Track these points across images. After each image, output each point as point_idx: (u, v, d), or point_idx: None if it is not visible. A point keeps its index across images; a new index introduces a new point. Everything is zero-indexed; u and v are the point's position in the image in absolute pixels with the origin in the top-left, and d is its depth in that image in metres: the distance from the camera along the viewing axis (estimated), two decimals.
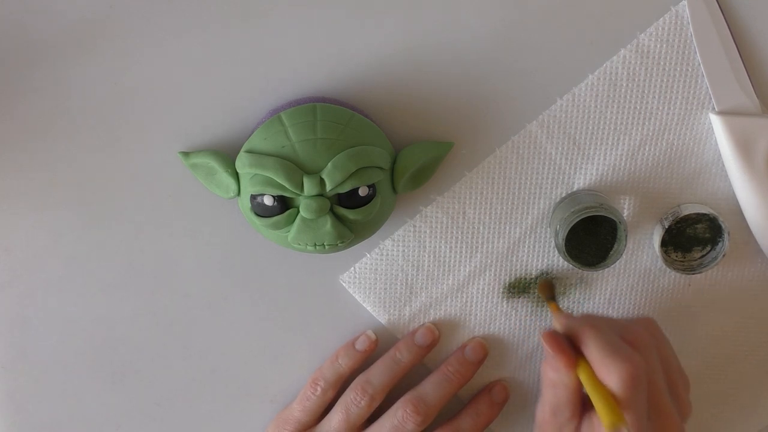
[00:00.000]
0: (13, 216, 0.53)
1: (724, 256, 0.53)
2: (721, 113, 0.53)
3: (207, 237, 0.54)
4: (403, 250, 0.55)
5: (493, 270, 0.56)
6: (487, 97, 0.53)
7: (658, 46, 0.52)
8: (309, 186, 0.47)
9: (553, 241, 0.53)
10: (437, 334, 0.57)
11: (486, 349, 0.57)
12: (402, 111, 0.52)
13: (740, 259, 0.56)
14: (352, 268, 0.56)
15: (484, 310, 0.57)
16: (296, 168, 0.47)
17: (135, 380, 0.57)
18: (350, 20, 0.51)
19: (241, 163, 0.49)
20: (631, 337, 0.47)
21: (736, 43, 0.52)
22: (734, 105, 0.52)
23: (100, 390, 0.57)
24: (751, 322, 0.58)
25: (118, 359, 0.56)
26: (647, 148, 0.54)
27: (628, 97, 0.53)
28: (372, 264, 0.56)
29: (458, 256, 0.56)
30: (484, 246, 0.55)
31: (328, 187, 0.47)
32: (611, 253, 0.52)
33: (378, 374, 0.55)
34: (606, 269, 0.54)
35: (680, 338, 0.58)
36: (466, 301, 0.57)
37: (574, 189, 0.54)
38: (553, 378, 0.46)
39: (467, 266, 0.56)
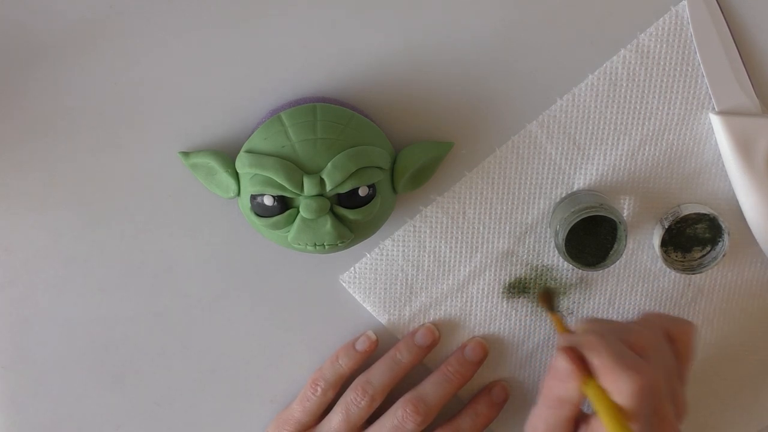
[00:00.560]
0: (13, 216, 0.53)
1: (724, 256, 0.53)
2: (721, 113, 0.53)
3: (207, 237, 0.54)
4: (403, 250, 0.55)
5: (493, 270, 0.56)
6: (487, 97, 0.53)
7: (658, 46, 0.52)
8: (309, 186, 0.47)
9: (553, 241, 0.53)
10: (437, 335, 0.57)
11: (486, 349, 0.57)
12: (402, 111, 0.52)
13: (740, 259, 0.56)
14: (352, 268, 0.56)
15: (484, 310, 0.57)
16: (296, 168, 0.47)
17: (135, 380, 0.57)
18: (350, 20, 0.51)
19: (241, 163, 0.49)
20: (639, 343, 0.46)
21: (736, 43, 0.52)
22: (734, 105, 0.53)
23: (100, 390, 0.57)
24: (751, 322, 0.58)
25: (118, 359, 0.56)
26: (647, 148, 0.54)
27: (628, 97, 0.53)
28: (372, 264, 0.56)
29: (458, 256, 0.56)
30: (484, 246, 0.55)
31: (328, 187, 0.47)
32: (611, 253, 0.52)
33: (378, 374, 0.55)
34: (606, 269, 0.54)
35: None
36: (466, 301, 0.57)
37: (574, 189, 0.54)
38: (560, 394, 0.45)
39: (467, 266, 0.56)
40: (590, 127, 0.53)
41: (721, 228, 0.53)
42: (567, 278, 0.56)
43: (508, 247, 0.55)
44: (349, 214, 0.48)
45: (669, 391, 0.47)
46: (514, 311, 0.57)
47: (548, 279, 0.56)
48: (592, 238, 0.53)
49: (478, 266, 0.56)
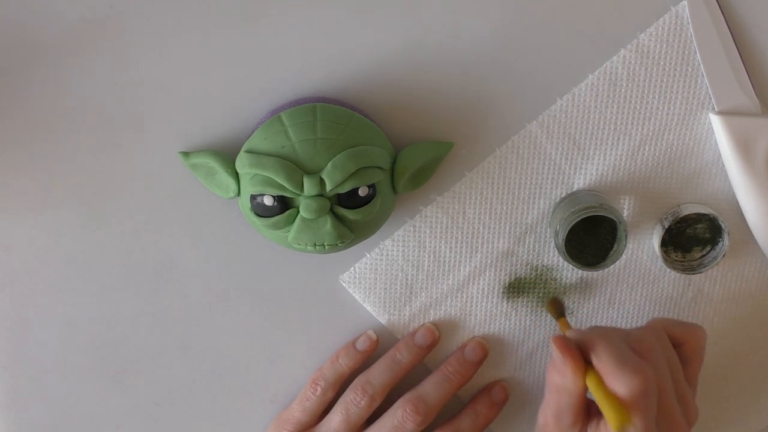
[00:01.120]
0: (13, 216, 0.53)
1: (724, 256, 0.53)
2: (721, 113, 0.53)
3: (207, 237, 0.54)
4: (403, 250, 0.55)
5: (493, 270, 0.56)
6: (487, 97, 0.53)
7: (658, 46, 0.52)
8: (309, 186, 0.47)
9: (553, 241, 0.53)
10: (437, 335, 0.57)
11: (486, 349, 0.57)
12: (402, 111, 0.52)
13: (740, 259, 0.56)
14: (352, 268, 0.56)
15: (484, 310, 0.57)
16: (296, 168, 0.47)
17: (135, 380, 0.57)
18: (350, 20, 0.51)
19: (241, 163, 0.49)
20: (641, 346, 0.46)
21: (736, 43, 0.52)
22: (734, 105, 0.53)
23: (100, 390, 0.57)
24: (751, 322, 0.58)
25: (118, 359, 0.56)
26: (647, 148, 0.54)
27: (628, 97, 0.53)
28: (372, 264, 0.56)
29: (458, 256, 0.56)
30: (484, 246, 0.55)
31: (328, 187, 0.47)
32: (611, 253, 0.52)
33: (378, 374, 0.55)
34: (606, 269, 0.54)
35: None
36: (466, 301, 0.57)
37: (574, 189, 0.54)
38: (558, 383, 0.46)
39: (467, 266, 0.56)
40: (590, 127, 0.53)
41: (721, 228, 0.53)
42: (567, 278, 0.56)
43: (508, 247, 0.55)
44: (349, 214, 0.48)
45: (677, 392, 0.47)
46: (514, 311, 0.57)
47: (548, 279, 0.56)
48: (592, 238, 0.53)
49: (478, 266, 0.56)
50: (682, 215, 0.53)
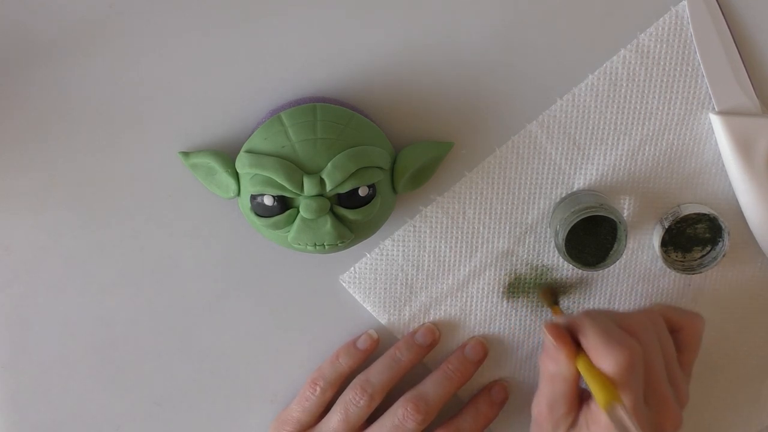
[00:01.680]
0: (13, 216, 0.53)
1: (724, 256, 0.53)
2: (721, 113, 0.53)
3: (207, 237, 0.54)
4: (403, 250, 0.55)
5: (493, 270, 0.56)
6: (487, 97, 0.53)
7: (658, 46, 0.52)
8: (309, 186, 0.47)
9: (553, 241, 0.53)
10: (438, 334, 0.57)
11: (486, 348, 0.57)
12: (402, 111, 0.52)
13: (740, 259, 0.56)
14: (352, 268, 0.56)
15: (484, 310, 0.57)
16: (296, 168, 0.47)
17: (135, 380, 0.57)
18: (350, 20, 0.51)
19: (241, 163, 0.49)
20: (630, 323, 0.47)
21: (736, 43, 0.52)
22: (734, 105, 0.53)
23: (100, 390, 0.57)
24: (751, 322, 0.58)
25: (118, 359, 0.56)
26: (647, 148, 0.54)
27: (628, 97, 0.53)
28: (372, 264, 0.56)
29: (458, 256, 0.56)
30: (484, 246, 0.55)
31: (328, 187, 0.47)
32: (611, 253, 0.52)
33: (377, 373, 0.54)
34: (606, 269, 0.54)
35: None
36: (466, 301, 0.57)
37: (574, 189, 0.54)
38: (552, 370, 0.46)
39: (467, 266, 0.56)
40: (590, 127, 0.53)
41: (721, 228, 0.53)
42: (567, 278, 0.56)
43: (508, 247, 0.55)
44: (349, 214, 0.48)
45: (669, 374, 0.47)
46: (514, 311, 0.57)
47: (548, 279, 0.56)
48: (592, 238, 0.53)
49: (478, 266, 0.56)
50: (682, 215, 0.53)
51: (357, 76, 0.52)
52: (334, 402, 0.55)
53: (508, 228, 0.55)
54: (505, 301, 0.57)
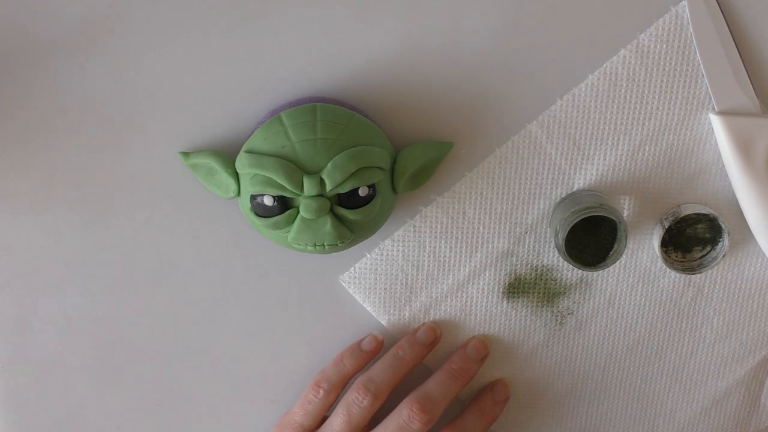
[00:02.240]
0: (13, 216, 0.53)
1: (724, 256, 0.53)
2: (721, 113, 0.53)
3: (207, 237, 0.54)
4: (403, 250, 0.55)
5: (493, 270, 0.56)
6: (487, 97, 0.53)
7: (658, 46, 0.52)
8: (309, 186, 0.47)
9: (553, 241, 0.53)
10: (439, 333, 0.56)
11: (487, 347, 0.57)
12: (402, 111, 0.52)
13: (740, 259, 0.56)
14: (352, 268, 0.56)
15: (484, 310, 0.57)
16: (296, 168, 0.47)
17: (135, 380, 0.57)
18: (350, 20, 0.51)
19: (241, 163, 0.49)
20: None
21: (736, 43, 0.52)
22: (734, 105, 0.52)
23: (100, 390, 0.57)
24: (751, 322, 0.58)
25: (118, 359, 0.56)
26: (647, 148, 0.54)
27: (628, 97, 0.53)
28: (372, 264, 0.56)
29: (458, 256, 0.56)
30: (484, 246, 0.55)
31: (328, 187, 0.47)
32: (611, 253, 0.52)
33: (380, 372, 0.54)
34: (606, 269, 0.54)
35: (680, 338, 0.58)
36: (466, 302, 0.57)
37: (574, 189, 0.54)
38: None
39: (467, 266, 0.56)
40: (590, 127, 0.53)
41: (721, 228, 0.53)
42: (567, 278, 0.56)
43: (508, 247, 0.55)
44: (349, 214, 0.48)
45: None
46: (514, 311, 0.57)
47: (548, 279, 0.56)
48: (592, 238, 0.53)
49: (478, 266, 0.56)
50: (682, 215, 0.53)
51: (357, 76, 0.52)
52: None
53: (508, 228, 0.55)
54: (505, 301, 0.57)
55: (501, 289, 0.56)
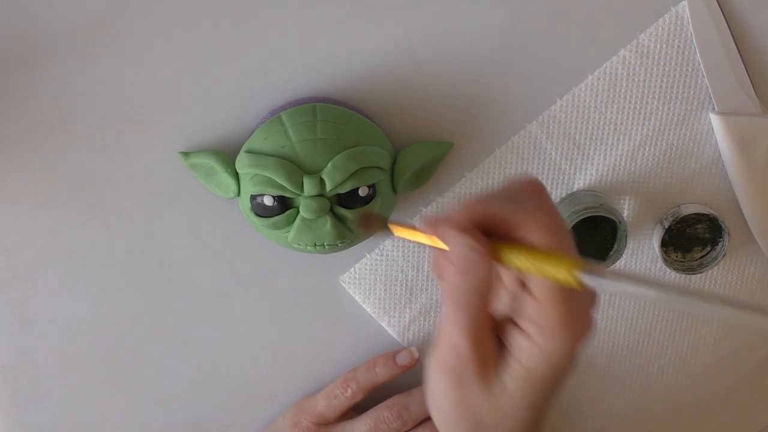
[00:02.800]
0: (13, 216, 0.53)
1: (724, 256, 0.53)
2: (721, 113, 0.53)
3: (207, 237, 0.54)
4: (403, 251, 0.55)
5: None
6: (487, 97, 0.53)
7: (658, 46, 0.52)
8: (309, 186, 0.47)
9: None
10: None
11: None
12: (402, 111, 0.52)
13: (740, 259, 0.56)
14: (352, 269, 0.56)
15: None
16: (296, 168, 0.47)
17: (135, 380, 0.57)
18: (350, 20, 0.51)
19: (241, 163, 0.49)
20: (516, 192, 0.36)
21: (736, 43, 0.52)
22: (734, 105, 0.52)
23: (100, 390, 0.57)
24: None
25: (118, 359, 0.56)
26: (647, 148, 0.54)
27: (628, 97, 0.53)
28: (372, 264, 0.56)
29: None
30: None
31: (328, 187, 0.47)
32: (611, 253, 0.52)
33: (418, 404, 0.55)
34: None
35: (680, 338, 0.58)
36: None
37: (574, 189, 0.54)
38: (471, 283, 0.34)
39: None
40: (590, 127, 0.53)
41: (721, 228, 0.53)
42: None
43: None
44: (349, 214, 0.48)
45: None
46: None
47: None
48: (592, 238, 0.53)
49: None
50: (682, 215, 0.53)
51: (357, 76, 0.52)
52: (359, 405, 0.55)
53: None
54: None
55: None
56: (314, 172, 0.47)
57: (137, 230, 0.54)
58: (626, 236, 0.51)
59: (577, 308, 0.34)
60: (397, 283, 0.56)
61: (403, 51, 0.52)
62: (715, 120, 0.53)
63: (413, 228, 0.36)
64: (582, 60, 0.52)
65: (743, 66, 0.52)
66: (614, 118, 0.53)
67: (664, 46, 0.52)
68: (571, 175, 0.54)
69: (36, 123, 0.52)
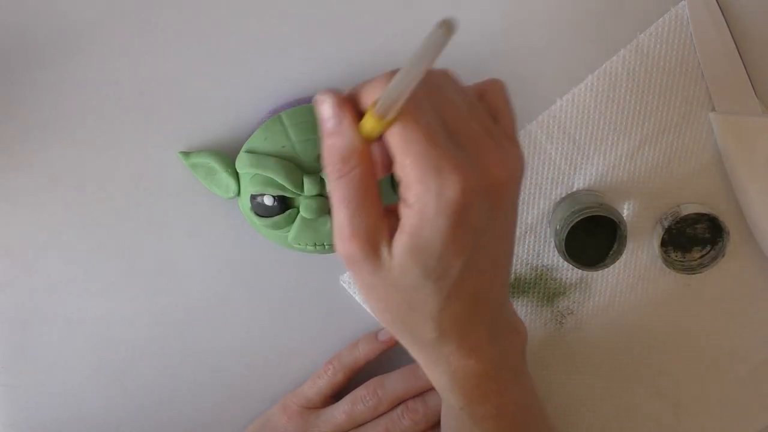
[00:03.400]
0: (13, 216, 0.53)
1: (724, 256, 0.53)
2: (721, 113, 0.53)
3: (207, 237, 0.54)
4: None
5: None
6: None
7: (658, 46, 0.52)
8: (309, 186, 0.47)
9: (553, 241, 0.53)
10: None
11: None
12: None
13: (740, 259, 0.56)
14: None
15: None
16: (296, 168, 0.47)
17: (135, 380, 0.57)
18: (350, 20, 0.51)
19: (242, 163, 0.49)
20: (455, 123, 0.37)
21: (736, 43, 0.52)
22: (734, 105, 0.52)
23: (100, 390, 0.57)
24: (750, 321, 0.58)
25: (119, 359, 0.56)
26: (647, 148, 0.54)
27: (628, 97, 0.53)
28: None
29: None
30: None
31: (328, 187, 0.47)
32: (611, 253, 0.52)
33: (394, 381, 0.55)
34: (606, 269, 0.54)
35: (680, 338, 0.58)
36: None
37: (574, 189, 0.54)
38: (342, 153, 0.36)
39: None
40: (590, 127, 0.53)
41: (721, 228, 0.53)
42: (567, 278, 0.56)
43: None
44: None
45: (480, 124, 0.38)
46: None
47: (548, 279, 0.56)
48: (592, 238, 0.53)
49: None
50: (682, 215, 0.53)
51: (357, 76, 0.52)
52: (345, 389, 0.56)
53: None
54: None
55: None
56: (314, 172, 0.47)
57: (137, 230, 0.54)
58: (626, 236, 0.51)
59: (426, 151, 0.34)
60: None
61: (403, 51, 0.51)
62: (715, 120, 0.53)
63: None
64: (582, 60, 0.52)
65: (743, 66, 0.52)
66: (614, 118, 0.53)
67: (664, 46, 0.52)
68: (571, 175, 0.54)
69: (36, 123, 0.52)
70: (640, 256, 0.56)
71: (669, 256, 0.55)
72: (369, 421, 0.55)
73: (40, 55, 0.50)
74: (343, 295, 0.56)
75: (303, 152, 0.48)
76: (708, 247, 0.55)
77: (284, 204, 0.48)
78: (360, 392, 0.55)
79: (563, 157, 0.54)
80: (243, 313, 0.56)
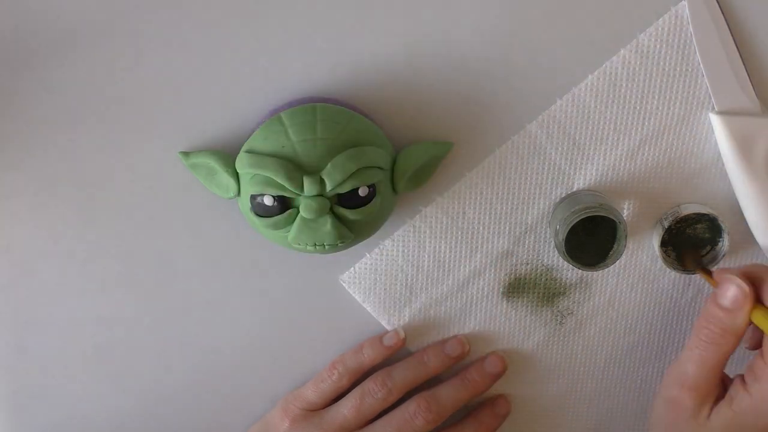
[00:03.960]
0: (13, 216, 0.53)
1: (724, 256, 0.53)
2: (721, 113, 0.53)
3: (207, 237, 0.54)
4: (403, 250, 0.55)
5: (493, 270, 0.56)
6: (487, 97, 0.53)
7: (658, 46, 0.52)
8: (309, 186, 0.47)
9: (553, 241, 0.53)
10: (467, 348, 0.56)
11: (505, 365, 0.57)
12: (402, 111, 0.52)
13: (740, 259, 0.56)
14: (352, 268, 0.56)
15: (484, 310, 0.57)
16: (296, 168, 0.47)
17: (135, 380, 0.57)
18: (350, 20, 0.51)
19: (241, 163, 0.49)
20: None
21: (736, 43, 0.52)
22: (734, 105, 0.52)
23: (100, 390, 0.57)
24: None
25: (118, 359, 0.56)
26: (647, 148, 0.54)
27: (628, 97, 0.53)
28: (372, 264, 0.56)
29: (458, 256, 0.56)
30: (484, 246, 0.55)
31: (328, 187, 0.47)
32: (611, 253, 0.52)
33: (401, 371, 0.55)
34: (606, 269, 0.54)
35: (680, 338, 0.58)
36: (466, 301, 0.57)
37: (574, 189, 0.54)
38: (724, 327, 0.44)
39: (467, 266, 0.56)
40: (590, 127, 0.53)
41: (721, 228, 0.53)
42: (567, 278, 0.56)
43: (508, 247, 0.55)
44: (349, 214, 0.48)
45: None
46: (514, 311, 0.57)
47: (548, 279, 0.56)
48: (592, 238, 0.53)
49: (478, 266, 0.56)
50: (682, 215, 0.53)
51: (357, 76, 0.52)
52: (347, 392, 0.55)
53: (508, 228, 0.55)
54: (505, 301, 0.57)
55: (501, 289, 0.56)
56: (314, 172, 0.47)
57: (137, 230, 0.54)
58: (626, 236, 0.51)
59: None
60: (397, 283, 0.56)
61: (403, 51, 0.52)
62: (715, 120, 0.53)
63: (708, 272, 0.50)
64: (582, 60, 0.52)
65: (743, 66, 0.52)
66: (614, 118, 0.53)
67: (664, 46, 0.52)
68: (571, 175, 0.54)
69: (36, 123, 0.52)
70: (640, 256, 0.56)
71: (669, 256, 0.55)
72: (377, 416, 0.55)
73: (40, 55, 0.50)
74: (343, 295, 0.56)
75: (303, 152, 0.48)
76: (708, 247, 0.55)
77: (284, 204, 0.48)
78: (368, 385, 0.54)
79: (563, 157, 0.54)
80: (243, 314, 0.56)
